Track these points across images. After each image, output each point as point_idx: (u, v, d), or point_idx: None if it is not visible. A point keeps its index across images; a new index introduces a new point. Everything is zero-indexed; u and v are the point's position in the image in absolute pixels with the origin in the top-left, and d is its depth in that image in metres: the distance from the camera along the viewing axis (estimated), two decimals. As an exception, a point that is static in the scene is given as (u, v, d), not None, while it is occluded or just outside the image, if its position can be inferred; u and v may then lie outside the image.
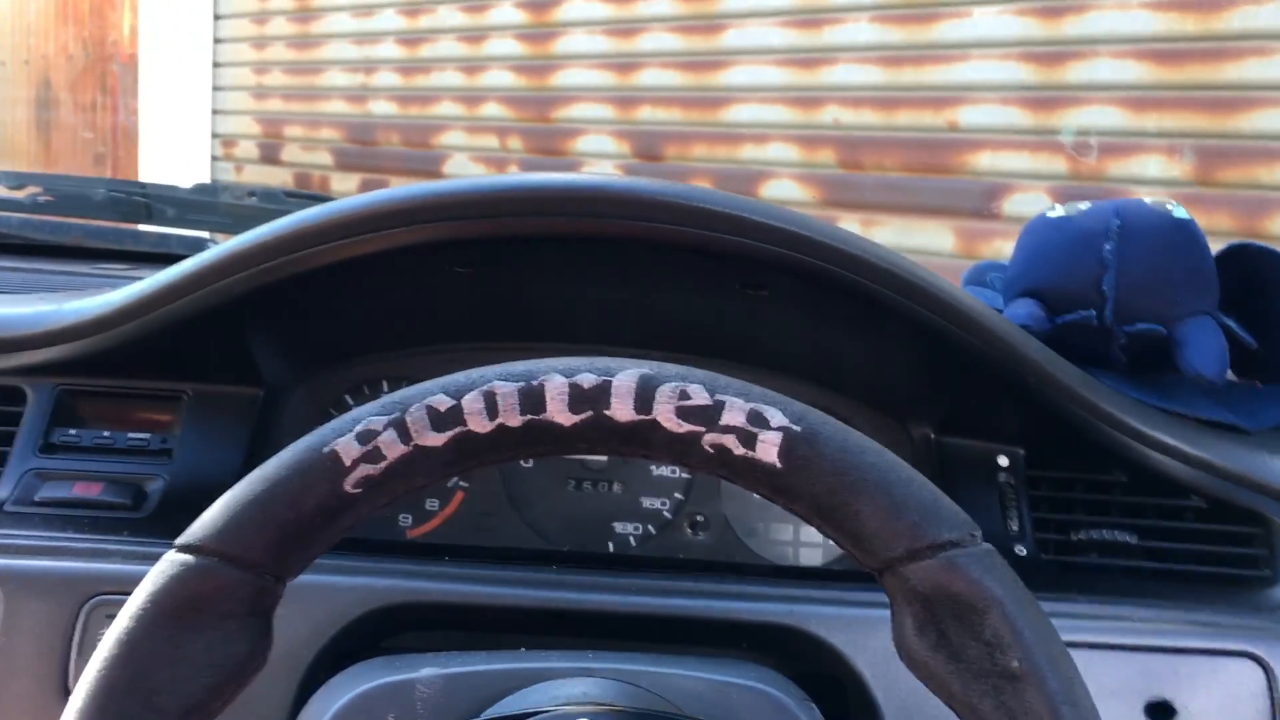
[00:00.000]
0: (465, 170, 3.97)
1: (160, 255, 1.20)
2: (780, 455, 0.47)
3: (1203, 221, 2.34)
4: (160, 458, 0.82)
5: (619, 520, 0.87)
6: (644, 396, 0.48)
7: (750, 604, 0.72)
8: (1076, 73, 2.58)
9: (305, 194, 1.32)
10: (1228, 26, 2.36)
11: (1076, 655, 0.68)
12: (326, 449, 0.47)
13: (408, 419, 0.48)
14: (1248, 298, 0.86)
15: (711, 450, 0.48)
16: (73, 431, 0.82)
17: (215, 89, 4.99)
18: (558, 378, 0.48)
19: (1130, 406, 0.79)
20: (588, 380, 0.48)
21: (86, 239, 1.19)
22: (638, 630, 0.73)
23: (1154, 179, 2.47)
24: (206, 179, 4.95)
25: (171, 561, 0.46)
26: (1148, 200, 0.84)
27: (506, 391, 0.48)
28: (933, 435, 0.86)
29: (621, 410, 0.48)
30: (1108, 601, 0.73)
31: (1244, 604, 0.75)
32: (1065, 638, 0.68)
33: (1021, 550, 0.80)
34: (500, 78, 3.86)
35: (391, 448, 0.47)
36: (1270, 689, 0.69)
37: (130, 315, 0.76)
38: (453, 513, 0.86)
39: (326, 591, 0.69)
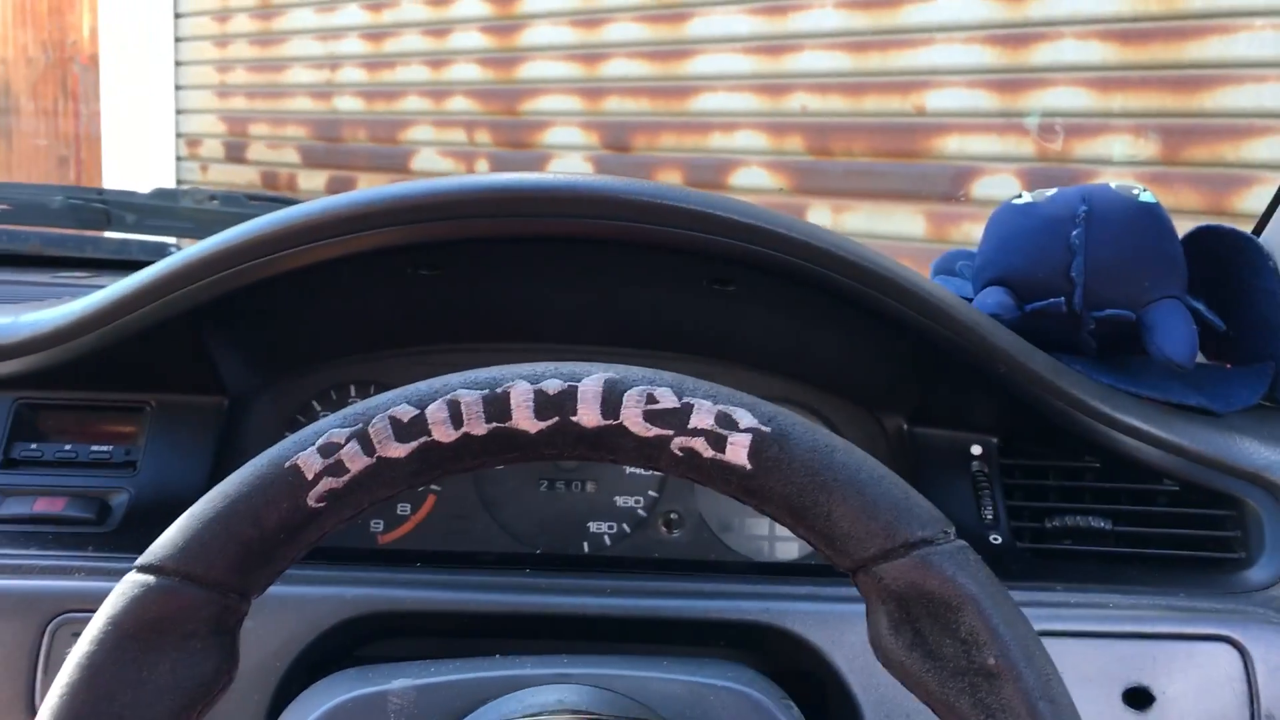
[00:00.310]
0: (433, 165, 3.94)
1: (122, 262, 1.18)
2: (750, 457, 0.47)
3: (1170, 200, 2.35)
4: (124, 470, 0.80)
5: (593, 520, 0.86)
6: (611, 401, 0.47)
7: (727, 602, 0.72)
8: (1041, 55, 2.59)
9: (269, 196, 1.31)
10: (1190, 6, 2.37)
11: (1053, 644, 0.68)
12: (288, 463, 0.46)
13: (370, 430, 0.47)
14: (1215, 280, 0.86)
15: (681, 453, 0.47)
16: (34, 446, 0.80)
17: (178, 88, 4.94)
18: (523, 384, 0.48)
19: (1101, 392, 0.79)
20: (553, 386, 0.47)
21: (45, 247, 1.17)
22: (614, 632, 0.72)
23: (1121, 159, 2.48)
24: (171, 179, 4.91)
25: (133, 582, 0.45)
26: (1113, 185, 0.83)
27: (471, 400, 0.47)
28: (905, 426, 0.86)
29: (588, 415, 0.47)
30: (1084, 588, 0.73)
31: (1219, 587, 0.75)
32: (1042, 626, 0.69)
33: (996, 539, 0.80)
34: (466, 71, 3.84)
35: (354, 460, 0.46)
36: (1247, 672, 0.69)
37: (89, 326, 0.75)
38: (425, 517, 0.85)
39: (297, 603, 0.68)
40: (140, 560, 0.46)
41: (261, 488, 0.46)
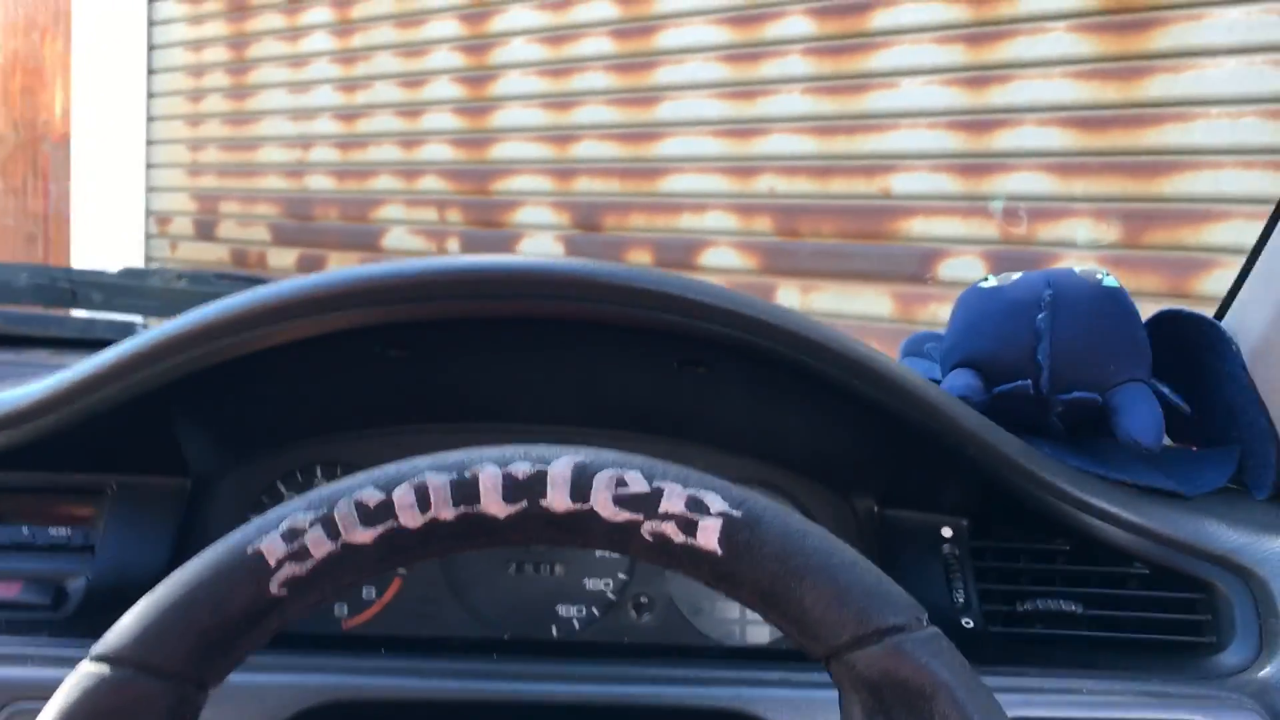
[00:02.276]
0: (404, 243, 3.95)
1: (87, 341, 1.17)
2: (721, 541, 0.46)
3: (1132, 283, 2.39)
4: (82, 554, 0.79)
5: (562, 603, 0.85)
6: (580, 485, 0.47)
7: (698, 689, 0.70)
8: (1004, 140, 2.64)
9: (237, 275, 1.30)
10: (1147, 94, 2.43)
11: (1028, 731, 0.68)
12: (250, 549, 0.46)
13: (336, 515, 0.46)
14: (1180, 364, 0.87)
15: (651, 538, 0.47)
16: None
17: (149, 166, 4.95)
18: (491, 467, 0.47)
19: (1070, 474, 0.79)
20: (522, 470, 0.47)
21: (8, 326, 1.15)
22: (583, 719, 0.71)
23: (1084, 243, 2.52)
24: (141, 256, 4.89)
25: (85, 673, 0.44)
26: (1077, 269, 0.85)
27: (439, 483, 0.47)
28: (876, 508, 0.86)
29: (558, 500, 0.47)
30: (1057, 673, 0.73)
31: (1192, 671, 0.75)
32: (1016, 713, 0.68)
33: (969, 622, 0.80)
34: (438, 151, 3.87)
35: (319, 545, 0.46)
36: (1221, 758, 0.68)
37: (50, 407, 0.74)
38: (390, 600, 0.84)
39: (256, 691, 0.67)
40: (94, 650, 0.44)
41: (222, 574, 0.45)
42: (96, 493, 0.81)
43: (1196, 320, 0.87)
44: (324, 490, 0.47)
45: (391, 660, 0.72)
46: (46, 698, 0.45)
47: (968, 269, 2.69)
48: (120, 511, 0.80)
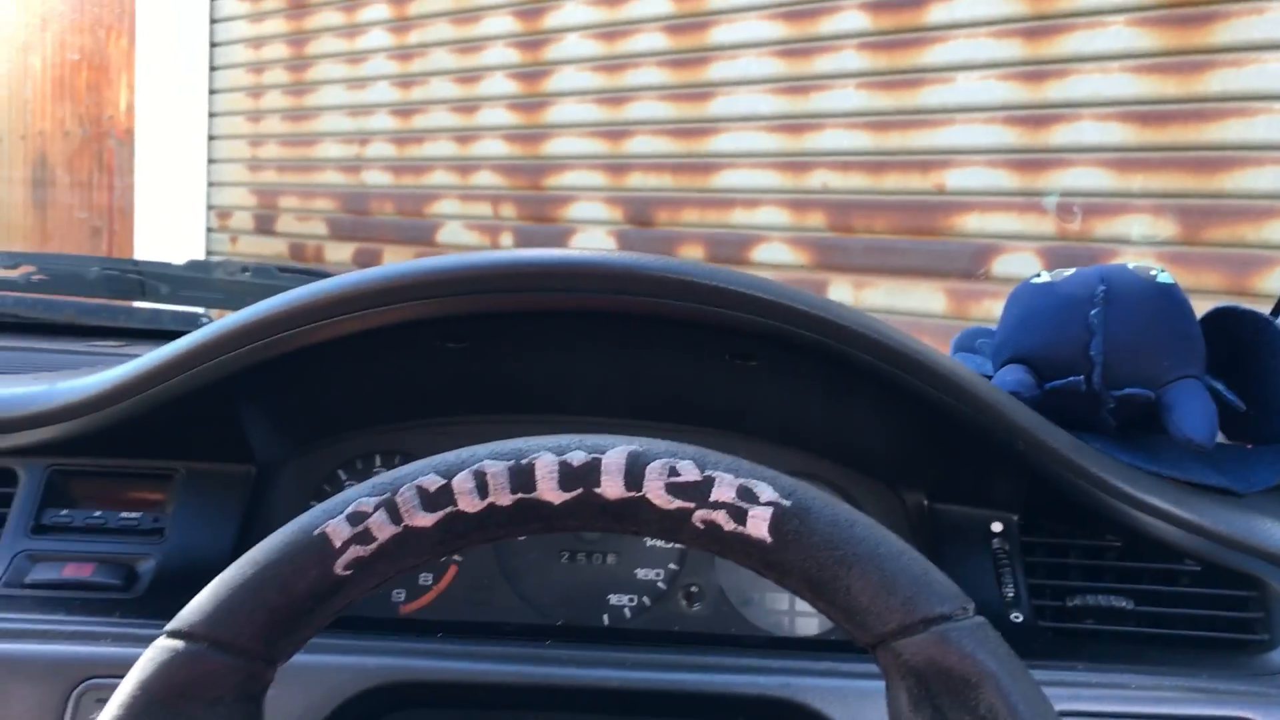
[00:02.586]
0: (459, 238, 3.99)
1: (154, 332, 1.20)
2: (770, 530, 0.47)
3: (1191, 281, 2.35)
4: (152, 537, 0.81)
5: (613, 592, 0.86)
6: (634, 473, 0.48)
7: (746, 677, 0.71)
8: (1061, 135, 2.61)
9: (299, 268, 1.33)
10: (1208, 89, 2.40)
11: (1075, 725, 0.68)
12: (317, 531, 0.47)
13: (398, 500, 0.48)
14: (1234, 360, 0.87)
15: (702, 526, 0.48)
16: (64, 512, 0.82)
17: (210, 161, 5.04)
18: (548, 455, 0.49)
19: (1122, 471, 0.79)
20: (577, 458, 0.48)
21: (80, 317, 1.19)
22: (633, 705, 0.72)
23: (1141, 239, 2.49)
24: (201, 250, 4.98)
25: (161, 648, 0.46)
26: (1131, 265, 0.85)
27: (496, 470, 0.48)
28: (926, 502, 0.86)
29: (611, 487, 0.48)
30: (1105, 669, 0.73)
31: (1241, 668, 0.74)
32: (1063, 707, 0.68)
33: (1017, 617, 0.80)
34: (492, 147, 3.90)
35: (382, 529, 0.47)
36: (1271, 755, 0.68)
37: (122, 395, 0.77)
38: (446, 587, 0.86)
39: (319, 672, 0.69)
40: (170, 625, 0.46)
41: (290, 555, 0.47)
42: (166, 478, 0.84)
43: (1252, 317, 0.87)
44: (387, 476, 0.49)
45: (447, 644, 0.73)
46: (118, 674, 0.47)
47: (1022, 265, 2.66)
48: (188, 496, 0.83)
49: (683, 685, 0.71)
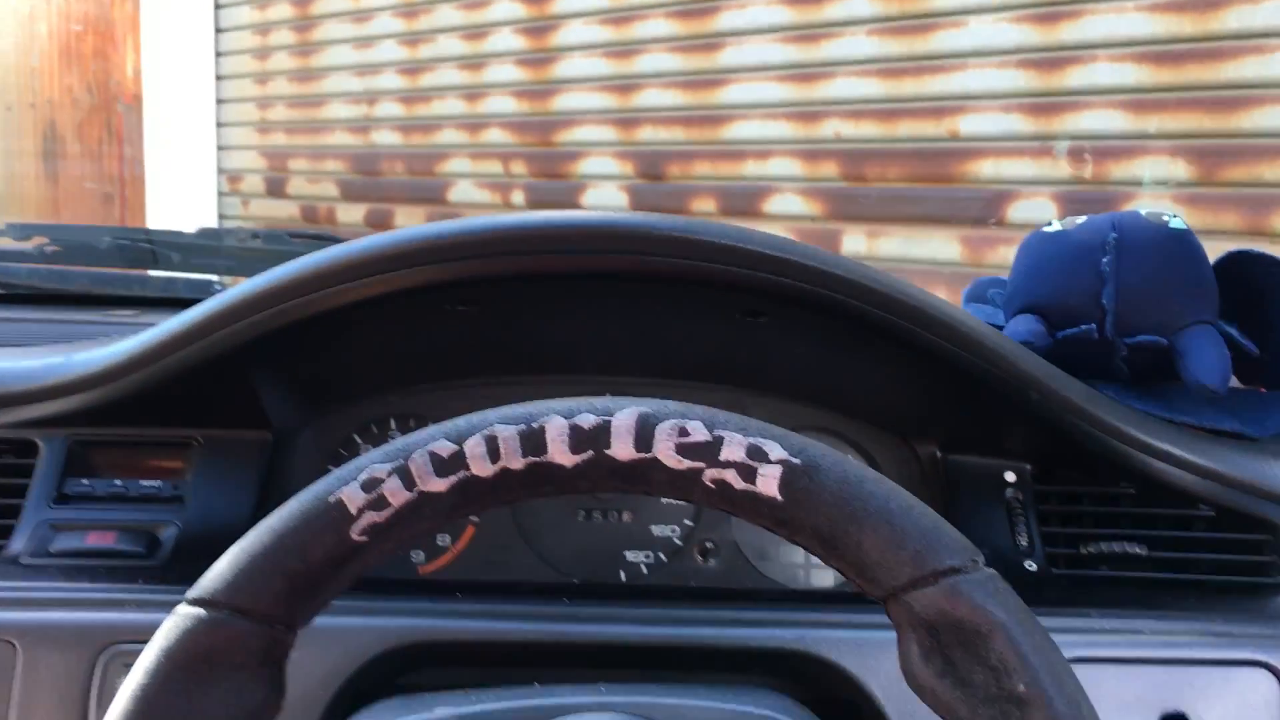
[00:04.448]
0: (470, 196, 3.99)
1: (168, 300, 1.21)
2: (780, 488, 0.48)
3: (1209, 221, 2.33)
4: (173, 504, 0.82)
5: (630, 549, 0.87)
6: (644, 435, 0.48)
7: (762, 630, 0.72)
8: (1075, 78, 2.58)
9: (310, 234, 1.33)
10: (1224, 26, 2.36)
11: (1089, 670, 0.69)
12: (332, 498, 0.48)
13: (411, 465, 0.48)
14: (1248, 305, 0.86)
15: (713, 485, 0.48)
16: (85, 481, 0.83)
17: (219, 125, 5.03)
18: (558, 419, 0.49)
19: (1135, 418, 0.79)
20: (588, 420, 0.49)
21: (93, 286, 1.20)
22: (651, 660, 0.73)
23: (1158, 181, 2.47)
24: (213, 214, 4.99)
25: (183, 615, 0.47)
26: (1143, 212, 0.84)
27: (508, 434, 0.49)
28: (939, 453, 0.87)
29: (622, 449, 0.48)
30: (1120, 615, 0.73)
31: (1256, 612, 0.75)
32: (1078, 653, 0.69)
33: (1032, 565, 0.80)
34: (501, 104, 3.88)
35: (396, 494, 0.48)
36: (1285, 697, 0.69)
37: (138, 365, 0.77)
38: (464, 548, 0.87)
39: (340, 633, 0.70)
40: (190, 593, 0.47)
41: (306, 522, 0.48)
42: (184, 446, 0.85)
43: (1266, 260, 0.86)
44: (400, 442, 0.49)
45: (466, 604, 0.74)
46: (144, 639, 0.48)
47: (1038, 211, 2.64)
48: (207, 464, 0.84)
49: (699, 640, 0.72)
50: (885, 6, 2.90)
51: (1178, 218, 0.83)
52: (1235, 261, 0.87)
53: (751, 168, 3.22)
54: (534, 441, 0.48)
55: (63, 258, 1.25)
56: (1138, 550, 0.80)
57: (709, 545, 0.87)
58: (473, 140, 3.99)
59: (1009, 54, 2.69)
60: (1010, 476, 0.84)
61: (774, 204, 3.16)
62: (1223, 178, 2.39)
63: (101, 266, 1.26)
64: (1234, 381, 0.85)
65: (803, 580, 0.86)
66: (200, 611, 0.47)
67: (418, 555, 0.86)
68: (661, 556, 0.87)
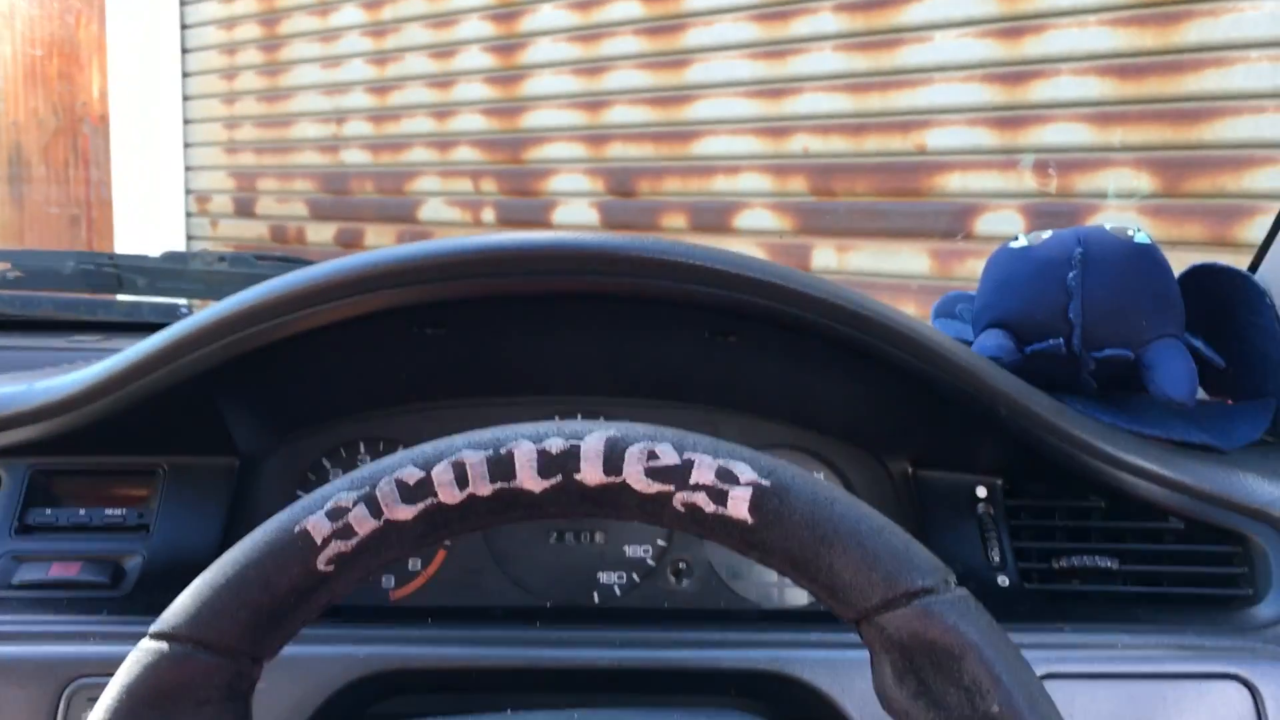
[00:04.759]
0: (440, 214, 3.98)
1: (134, 324, 1.20)
2: (751, 510, 0.47)
3: (1173, 232, 2.35)
4: (138, 533, 0.81)
5: (603, 570, 0.86)
6: (612, 459, 0.48)
7: (736, 652, 0.72)
8: (1040, 91, 2.61)
9: (276, 256, 1.32)
10: (1185, 39, 2.39)
11: (1064, 686, 0.69)
12: (297, 528, 0.47)
13: (378, 493, 0.48)
14: (1213, 317, 0.87)
15: (683, 509, 0.48)
16: (48, 511, 0.81)
17: (187, 145, 5.00)
18: (526, 443, 0.48)
19: (1103, 432, 0.79)
20: (556, 445, 0.48)
21: (57, 312, 1.18)
22: (625, 683, 0.72)
23: (1123, 193, 2.49)
24: (182, 235, 4.95)
25: (145, 650, 0.46)
26: (1108, 226, 0.85)
27: (475, 460, 0.48)
28: (910, 469, 0.87)
29: (591, 474, 0.48)
30: (1092, 629, 0.74)
31: (1227, 624, 0.75)
32: (1051, 669, 0.69)
33: (1004, 581, 0.80)
34: (471, 121, 3.88)
35: (362, 523, 0.47)
36: (1257, 710, 0.69)
37: (101, 393, 0.76)
38: (435, 572, 0.86)
39: (309, 663, 0.69)
40: (153, 628, 0.46)
41: (271, 553, 0.47)
42: (149, 474, 0.84)
43: (1229, 273, 0.87)
44: (366, 470, 0.49)
45: (438, 630, 0.74)
46: (108, 673, 0.47)
47: (1006, 224, 2.66)
48: (173, 491, 0.83)
49: (672, 662, 0.72)
50: (852, 22, 2.92)
51: (1142, 232, 0.84)
52: (1199, 275, 0.88)
53: (721, 183, 3.23)
54: (502, 467, 0.48)
55: (26, 283, 1.23)
56: (1109, 564, 0.80)
57: (682, 565, 0.86)
58: (442, 158, 3.98)
59: (974, 69, 2.71)
60: (982, 491, 0.84)
61: (744, 219, 3.17)
62: (1186, 189, 2.42)
63: (66, 291, 1.24)
64: (1201, 394, 0.86)
65: (777, 599, 0.86)
66: (163, 646, 0.46)
67: (389, 580, 0.85)
68: (635, 577, 0.86)
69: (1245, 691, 0.69)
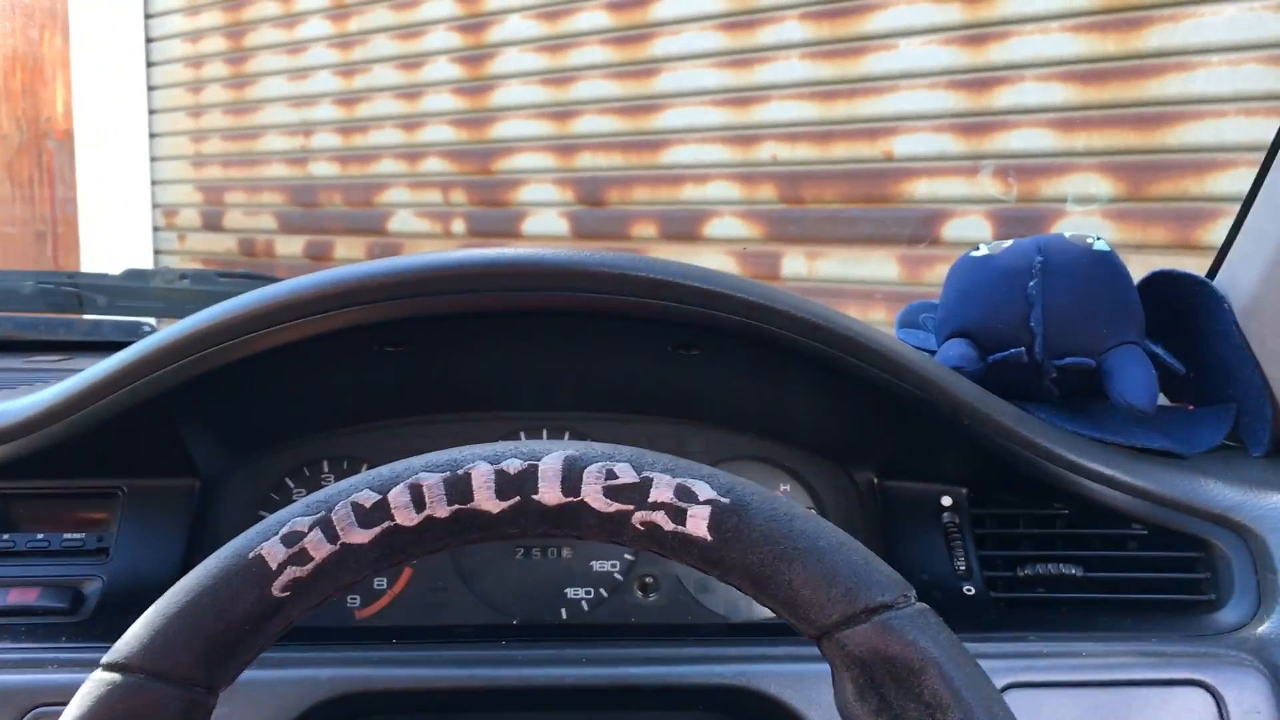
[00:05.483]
0: (410, 225, 3.96)
1: (94, 343, 1.18)
2: (710, 528, 0.47)
3: (1138, 236, 2.37)
4: (98, 557, 0.80)
5: (570, 586, 0.86)
6: (570, 478, 0.48)
7: (703, 667, 0.72)
8: (1004, 98, 2.63)
9: (238, 274, 1.31)
10: (1146, 45, 2.42)
11: (1028, 695, 0.69)
12: (252, 554, 0.47)
13: (333, 517, 0.47)
14: (1172, 323, 0.88)
15: (642, 528, 0.48)
16: (6, 536, 0.80)
17: (153, 159, 4.97)
18: (483, 464, 0.48)
19: (1066, 439, 0.79)
20: (513, 466, 0.48)
21: (16, 332, 1.17)
22: (593, 700, 0.72)
23: (1087, 197, 2.51)
24: (149, 249, 4.91)
25: (98, 681, 0.45)
26: (1068, 234, 0.85)
27: (432, 483, 0.48)
28: (876, 480, 0.87)
29: (549, 494, 0.48)
30: (1058, 638, 0.74)
31: (1191, 630, 0.75)
32: (1016, 678, 0.69)
33: (970, 589, 0.81)
34: (440, 133, 3.87)
35: (318, 548, 0.47)
36: (1221, 715, 0.69)
37: (59, 415, 0.75)
38: (401, 591, 0.85)
39: (271, 687, 0.68)
40: (106, 658, 0.46)
41: (225, 580, 0.47)
42: (109, 496, 0.83)
43: (1188, 280, 0.87)
44: (321, 494, 0.48)
45: (403, 651, 0.73)
46: (67, 701, 0.46)
47: (973, 229, 2.68)
48: (133, 514, 0.82)
49: (639, 679, 0.71)
50: (818, 30, 2.94)
51: (1101, 239, 0.84)
52: (1158, 281, 0.88)
53: (690, 192, 3.23)
54: (459, 489, 0.48)
55: (-16, 303, 1.22)
56: (1074, 571, 0.80)
57: (649, 580, 0.86)
58: (411, 170, 3.97)
59: (940, 75, 2.73)
60: (947, 501, 0.84)
61: (714, 227, 3.18)
62: (1150, 193, 2.44)
63: (25, 312, 1.23)
64: (1162, 400, 0.86)
65: (745, 612, 0.85)
66: (116, 676, 0.45)
67: (354, 600, 0.85)
68: (602, 593, 0.86)
69: (1209, 698, 0.70)
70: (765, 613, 0.85)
